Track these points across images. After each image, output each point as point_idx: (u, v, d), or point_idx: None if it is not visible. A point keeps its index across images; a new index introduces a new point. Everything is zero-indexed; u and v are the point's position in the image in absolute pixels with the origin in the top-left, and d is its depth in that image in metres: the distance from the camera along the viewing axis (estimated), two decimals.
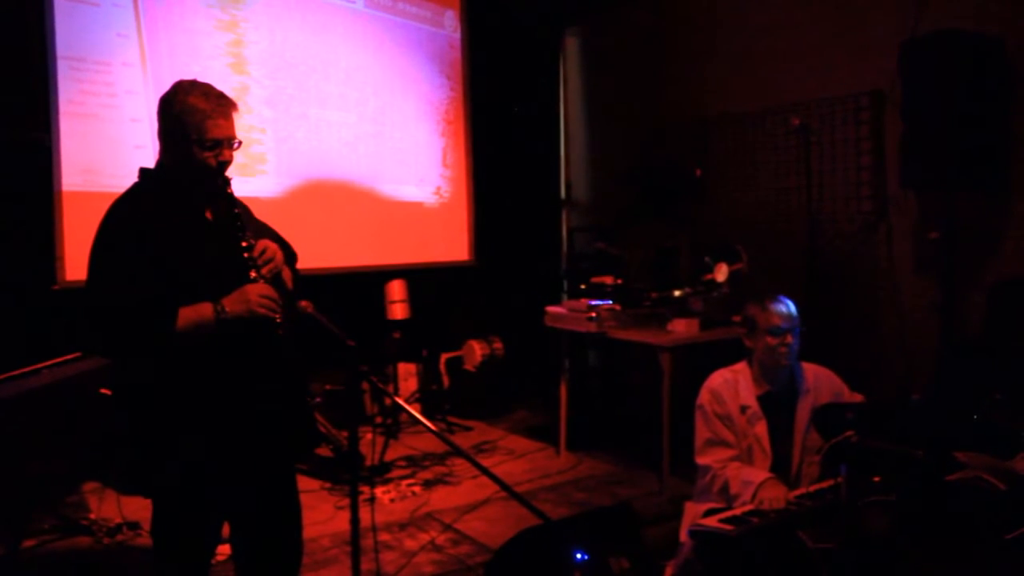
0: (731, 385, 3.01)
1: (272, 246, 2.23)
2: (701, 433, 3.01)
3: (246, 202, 2.33)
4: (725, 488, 2.86)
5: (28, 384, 3.02)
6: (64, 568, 3.52)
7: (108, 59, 4.66)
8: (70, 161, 4.50)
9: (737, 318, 3.23)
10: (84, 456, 3.80)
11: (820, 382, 3.05)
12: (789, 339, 2.92)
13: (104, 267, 2.09)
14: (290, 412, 2.31)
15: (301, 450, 2.57)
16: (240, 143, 2.24)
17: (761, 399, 2.98)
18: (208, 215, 2.23)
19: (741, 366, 3.07)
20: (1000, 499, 2.36)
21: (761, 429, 2.94)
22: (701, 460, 2.99)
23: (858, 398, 3.09)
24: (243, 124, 2.30)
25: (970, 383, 3.58)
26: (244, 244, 2.18)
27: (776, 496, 2.67)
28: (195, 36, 5.00)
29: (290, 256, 2.38)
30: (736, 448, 2.95)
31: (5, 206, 4.33)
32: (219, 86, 2.23)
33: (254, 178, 5.21)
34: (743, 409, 2.97)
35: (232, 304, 2.10)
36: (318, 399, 4.94)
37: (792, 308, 2.97)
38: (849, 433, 2.34)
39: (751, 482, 2.78)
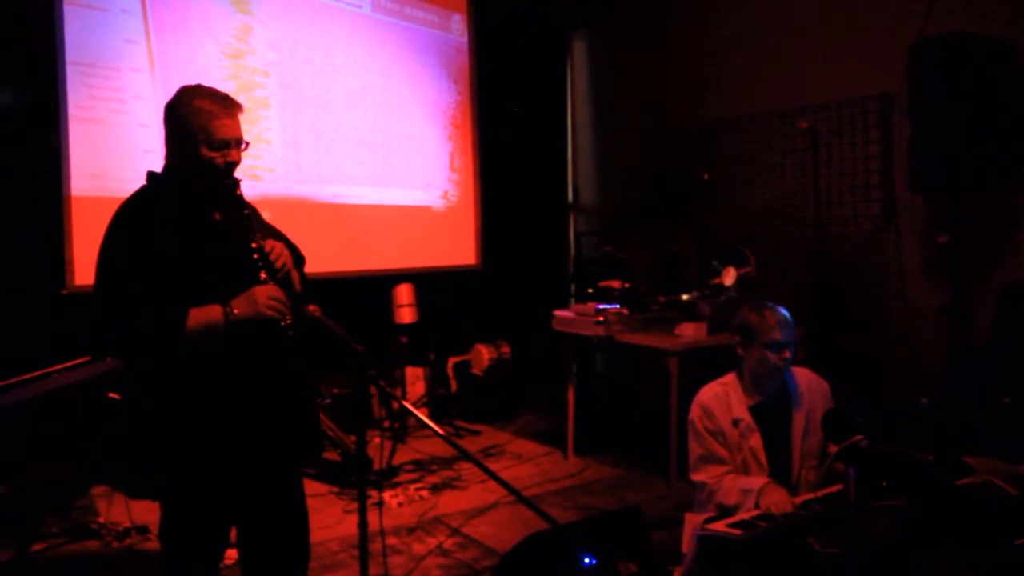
0: (722, 399, 2.94)
1: (280, 246, 2.24)
2: (694, 450, 2.95)
3: (254, 205, 2.34)
4: (722, 502, 2.80)
5: (37, 388, 3.03)
6: (73, 572, 3.53)
7: (117, 64, 4.68)
8: (79, 166, 4.52)
9: None
10: (93, 460, 3.80)
11: (812, 386, 3.00)
12: (787, 354, 2.85)
13: (112, 269, 2.09)
14: (297, 416, 2.32)
15: (307, 454, 2.57)
16: (247, 144, 2.25)
17: (753, 410, 2.92)
18: (217, 216, 2.23)
19: (730, 378, 2.99)
20: (1010, 504, 2.34)
21: (756, 441, 2.89)
22: (696, 477, 2.93)
23: None
24: (250, 129, 2.31)
25: (979, 387, 3.56)
26: (253, 245, 2.19)
27: (781, 499, 2.63)
28: (204, 42, 5.03)
29: (298, 259, 2.39)
30: (730, 463, 2.88)
31: (14, 211, 4.36)
32: (226, 89, 2.24)
33: (262, 182, 5.23)
34: (735, 422, 2.89)
35: (240, 306, 2.11)
36: (327, 400, 4.94)
37: (789, 317, 2.90)
38: (858, 437, 2.33)
39: (751, 489, 2.72)
